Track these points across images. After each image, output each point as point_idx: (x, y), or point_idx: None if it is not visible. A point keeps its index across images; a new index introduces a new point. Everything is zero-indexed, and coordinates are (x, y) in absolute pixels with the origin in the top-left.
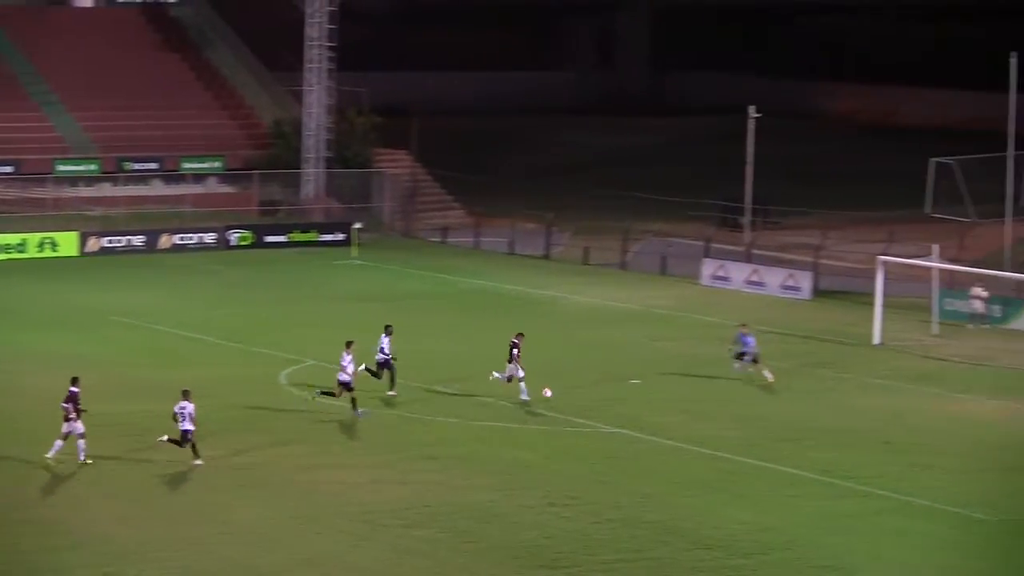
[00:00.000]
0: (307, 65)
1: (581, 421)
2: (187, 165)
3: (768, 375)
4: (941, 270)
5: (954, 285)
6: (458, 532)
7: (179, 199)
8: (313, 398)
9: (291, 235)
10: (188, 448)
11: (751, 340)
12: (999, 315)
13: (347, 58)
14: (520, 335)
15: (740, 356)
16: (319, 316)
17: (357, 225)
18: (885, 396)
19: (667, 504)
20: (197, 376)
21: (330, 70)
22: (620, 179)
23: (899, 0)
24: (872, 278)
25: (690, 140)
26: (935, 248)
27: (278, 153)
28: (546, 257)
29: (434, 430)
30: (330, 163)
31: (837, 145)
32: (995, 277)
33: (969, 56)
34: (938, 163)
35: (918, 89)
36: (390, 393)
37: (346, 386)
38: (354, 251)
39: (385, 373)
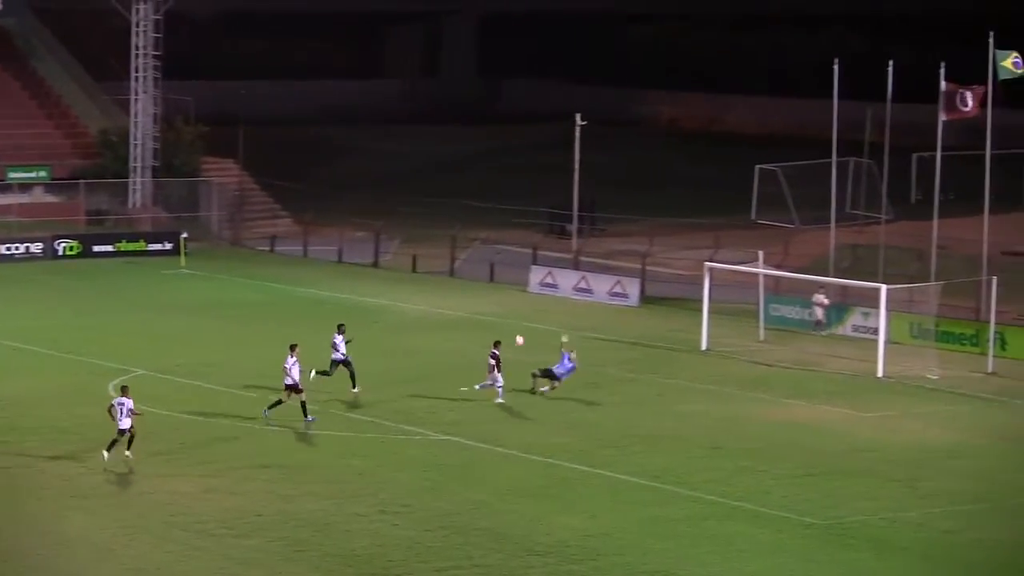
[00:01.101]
0: (133, 74)
1: (411, 429)
2: (13, 175)
3: (544, 389)
4: (767, 276)
5: (780, 291)
6: (290, 541)
7: (5, 209)
8: (265, 416)
9: (119, 245)
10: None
11: (567, 363)
12: (824, 320)
13: (174, 67)
14: (497, 343)
15: (547, 374)
16: (148, 326)
17: (185, 235)
18: (713, 402)
19: (498, 511)
20: (26, 387)
21: (156, 79)
22: (449, 187)
23: (724, 8)
24: (699, 284)
25: (518, 148)
26: (760, 254)
27: (105, 163)
28: (375, 265)
29: (266, 439)
30: (157, 172)
31: (663, 152)
32: (820, 283)
33: (793, 63)
34: (762, 169)
35: (743, 96)
36: (354, 391)
37: (293, 389)
38: (182, 260)
39: (339, 370)
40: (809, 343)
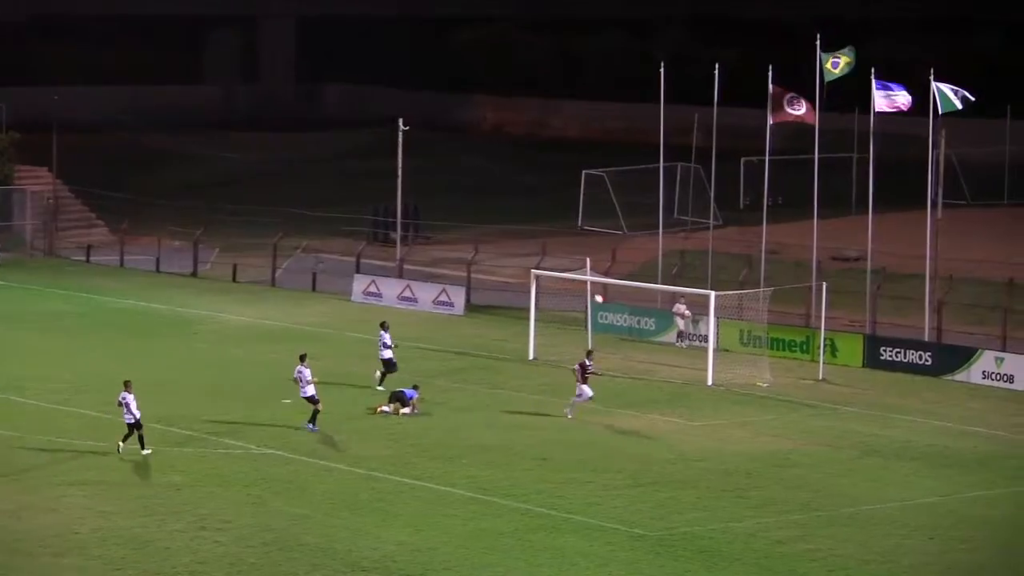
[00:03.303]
0: None
1: (232, 442)
2: None
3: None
4: (594, 283)
5: (608, 298)
6: (109, 559)
7: None
8: (313, 430)
9: None
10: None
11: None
12: (652, 328)
13: None
14: (589, 353)
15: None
16: None
17: None
18: (541, 412)
19: (322, 525)
20: None
21: None
22: (269, 195)
23: (550, 11)
24: (526, 292)
25: (340, 154)
26: (587, 261)
27: None
28: (194, 275)
29: (82, 455)
30: None
31: (488, 158)
32: (646, 289)
33: (621, 67)
34: (589, 175)
35: (570, 100)
36: (379, 388)
37: (311, 400)
38: None
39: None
40: (637, 351)
